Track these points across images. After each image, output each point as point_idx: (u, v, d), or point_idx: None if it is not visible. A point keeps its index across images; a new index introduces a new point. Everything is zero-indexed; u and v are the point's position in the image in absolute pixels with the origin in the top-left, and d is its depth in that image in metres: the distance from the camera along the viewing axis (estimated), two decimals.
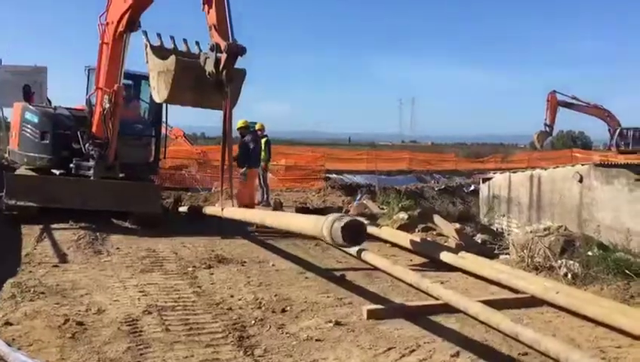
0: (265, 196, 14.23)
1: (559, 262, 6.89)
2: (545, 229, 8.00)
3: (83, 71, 11.18)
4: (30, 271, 6.60)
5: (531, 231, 8.00)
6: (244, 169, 11.55)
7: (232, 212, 8.39)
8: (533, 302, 6.03)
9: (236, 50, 6.69)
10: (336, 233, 5.04)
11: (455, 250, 8.21)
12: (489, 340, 4.98)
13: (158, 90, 7.42)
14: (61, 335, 4.66)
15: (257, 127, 12.62)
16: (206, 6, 6.93)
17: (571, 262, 6.81)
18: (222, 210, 8.51)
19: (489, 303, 5.48)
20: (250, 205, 11.88)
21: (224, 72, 6.74)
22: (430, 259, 8.10)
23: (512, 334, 4.77)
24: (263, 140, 13.84)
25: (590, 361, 4.16)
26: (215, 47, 6.69)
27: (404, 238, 9.09)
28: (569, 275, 6.66)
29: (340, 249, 8.48)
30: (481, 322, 5.21)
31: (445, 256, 7.82)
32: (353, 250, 8.04)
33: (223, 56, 6.64)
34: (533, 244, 7.33)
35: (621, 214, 11.94)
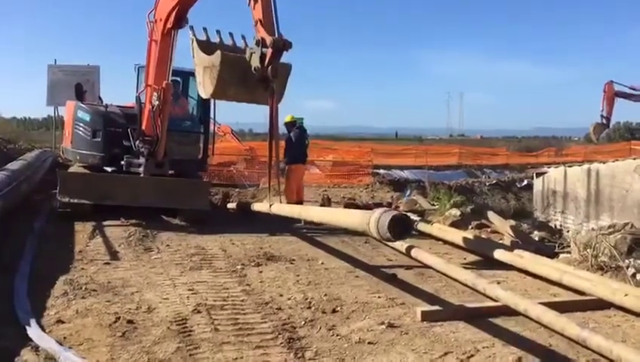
0: None
1: (627, 261, 6.47)
2: (610, 227, 7.56)
3: (133, 69, 11.31)
4: (82, 269, 6.65)
5: (594, 229, 7.56)
6: (282, 164, 11.42)
7: (280, 208, 8.30)
8: (600, 304, 5.66)
9: (282, 45, 6.61)
10: (383, 227, 4.88)
11: (511, 248, 7.89)
12: (553, 345, 4.68)
13: (203, 85, 7.40)
14: (111, 334, 4.63)
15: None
16: (252, 1, 6.86)
17: None
18: (270, 206, 8.43)
19: (551, 305, 5.18)
20: (298, 201, 11.79)
21: (269, 68, 6.66)
22: (485, 258, 7.79)
23: (578, 340, 4.47)
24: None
25: None
26: (261, 42, 6.62)
27: (456, 235, 8.81)
28: (638, 276, 6.24)
29: (390, 246, 8.27)
30: (544, 326, 4.92)
31: (501, 255, 7.51)
32: (403, 247, 7.83)
33: (269, 52, 6.57)
34: (598, 243, 6.92)
35: None
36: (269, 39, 6.55)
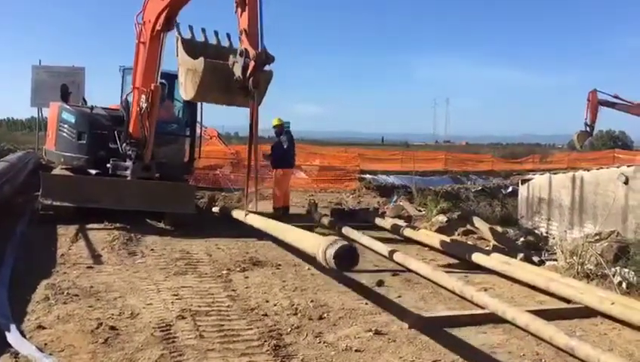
0: None
1: (613, 270, 6.49)
2: (596, 234, 7.59)
3: (117, 71, 11.18)
4: (65, 273, 6.53)
5: (580, 236, 7.59)
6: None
7: (253, 219, 8.15)
8: (586, 312, 5.68)
9: (265, 60, 6.74)
10: (330, 258, 4.63)
11: (497, 255, 7.88)
12: (541, 354, 4.66)
13: (185, 87, 7.39)
14: (94, 341, 4.53)
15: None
16: (239, 9, 6.90)
17: (626, 269, 6.41)
18: (245, 215, 8.32)
19: (539, 313, 5.17)
20: (284, 206, 11.71)
21: (251, 79, 6.75)
22: (471, 264, 7.77)
23: (566, 348, 4.46)
24: None
25: None
26: (244, 53, 6.66)
27: (443, 242, 8.79)
28: (624, 284, 6.27)
29: (376, 253, 8.22)
30: (532, 334, 4.91)
31: (488, 262, 7.51)
32: (390, 254, 7.78)
33: (251, 64, 6.67)
34: (584, 251, 6.94)
35: None
36: (252, 52, 6.64)
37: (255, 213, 8.33)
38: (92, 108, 10.85)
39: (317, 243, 4.99)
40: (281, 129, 11.91)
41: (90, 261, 7.19)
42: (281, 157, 11.69)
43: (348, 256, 4.67)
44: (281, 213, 11.11)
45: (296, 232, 6.30)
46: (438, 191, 19.58)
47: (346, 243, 4.84)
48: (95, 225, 9.08)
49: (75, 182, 9.64)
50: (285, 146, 11.73)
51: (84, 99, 12.39)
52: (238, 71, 6.75)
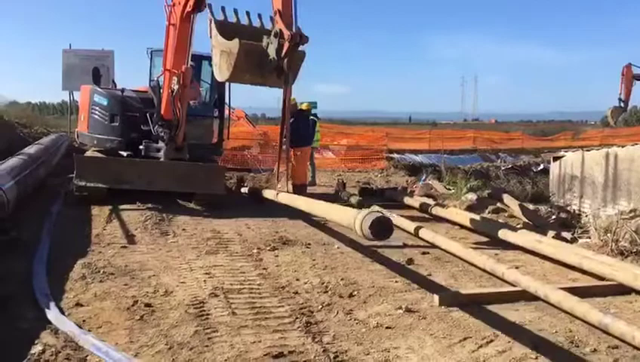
0: (311, 175, 14.04)
1: None
2: (631, 211, 7.44)
3: (145, 53, 11.27)
4: (100, 252, 6.68)
5: (614, 214, 7.45)
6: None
7: (285, 198, 8.24)
8: (620, 289, 5.59)
9: (299, 40, 6.72)
10: (366, 228, 4.85)
11: (529, 232, 7.79)
12: (574, 331, 4.61)
13: (219, 68, 7.40)
14: (130, 317, 4.65)
15: (304, 106, 12.36)
16: None
17: None
18: (277, 194, 8.40)
19: (572, 291, 5.13)
20: (302, 185, 11.72)
21: (285, 60, 6.77)
22: (501, 242, 7.71)
23: (600, 325, 4.42)
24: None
25: None
26: (278, 34, 6.66)
27: (473, 219, 8.73)
28: None
29: (406, 231, 8.22)
30: (564, 311, 4.87)
31: (519, 239, 7.45)
32: (420, 232, 7.77)
33: (286, 45, 6.66)
34: (618, 228, 6.82)
35: None
36: (286, 33, 6.64)
37: (287, 192, 8.43)
38: (123, 90, 10.98)
39: (353, 215, 5.18)
40: (295, 109, 11.86)
41: (124, 241, 7.34)
42: (296, 135, 11.67)
43: (383, 226, 4.87)
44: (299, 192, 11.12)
45: (329, 206, 6.42)
46: (468, 169, 19.40)
47: (380, 214, 5.07)
48: (128, 206, 9.25)
49: (108, 164, 9.81)
50: (300, 125, 11.67)
51: (113, 82, 12.54)
52: (272, 52, 6.78)
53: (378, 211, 5.18)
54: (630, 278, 5.56)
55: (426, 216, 9.77)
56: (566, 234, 8.10)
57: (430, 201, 10.53)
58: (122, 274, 5.82)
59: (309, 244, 7.56)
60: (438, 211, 9.65)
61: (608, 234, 6.88)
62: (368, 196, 11.80)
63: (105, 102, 10.66)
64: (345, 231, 8.41)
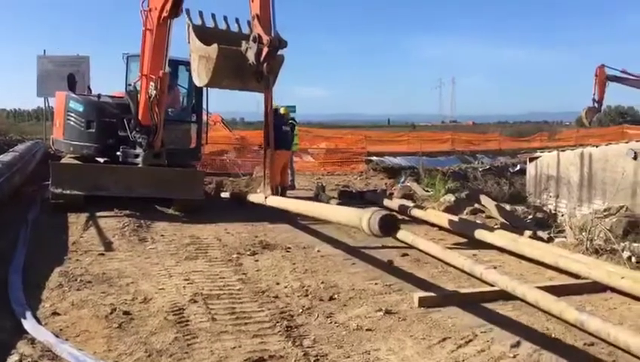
0: (290, 178, 14.04)
1: (622, 244, 6.49)
2: (605, 210, 7.58)
3: (121, 58, 11.17)
4: (77, 260, 6.59)
5: (590, 213, 7.58)
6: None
7: (275, 201, 8.26)
8: (596, 287, 5.70)
9: (278, 45, 6.79)
10: (374, 225, 5.13)
11: (506, 233, 7.89)
12: (551, 329, 4.70)
13: (198, 74, 7.39)
14: (108, 326, 4.60)
15: (282, 111, 12.36)
16: None
17: (635, 244, 6.41)
18: (265, 198, 8.40)
19: (548, 289, 5.21)
20: (275, 186, 11.67)
21: (265, 64, 6.81)
22: (479, 243, 7.79)
23: (576, 323, 4.49)
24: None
25: None
26: (257, 39, 6.68)
27: (451, 221, 8.80)
28: (633, 259, 6.27)
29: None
30: (542, 310, 4.94)
31: (496, 239, 7.53)
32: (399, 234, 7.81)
33: (265, 49, 6.72)
34: (593, 226, 6.94)
35: None
36: (265, 38, 6.68)
37: (274, 195, 8.46)
38: (99, 96, 10.87)
39: (357, 214, 5.54)
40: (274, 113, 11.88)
41: (101, 248, 7.26)
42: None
43: (390, 223, 5.22)
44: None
45: (328, 207, 6.52)
46: (446, 171, 19.56)
47: (387, 212, 5.48)
48: (105, 213, 9.15)
49: (85, 171, 9.70)
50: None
51: (89, 88, 12.41)
52: (251, 56, 6.83)
53: (381, 209, 5.52)
54: (605, 276, 5.67)
55: (405, 218, 9.83)
56: (542, 234, 8.22)
57: (409, 203, 10.60)
58: (100, 282, 5.76)
59: (289, 248, 7.56)
60: (416, 213, 9.71)
61: (583, 233, 7.00)
62: (347, 199, 11.84)
63: (81, 109, 10.54)
64: (326, 233, 8.47)
